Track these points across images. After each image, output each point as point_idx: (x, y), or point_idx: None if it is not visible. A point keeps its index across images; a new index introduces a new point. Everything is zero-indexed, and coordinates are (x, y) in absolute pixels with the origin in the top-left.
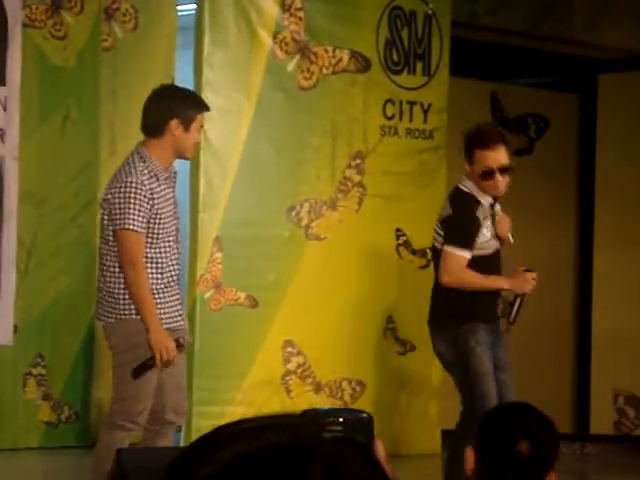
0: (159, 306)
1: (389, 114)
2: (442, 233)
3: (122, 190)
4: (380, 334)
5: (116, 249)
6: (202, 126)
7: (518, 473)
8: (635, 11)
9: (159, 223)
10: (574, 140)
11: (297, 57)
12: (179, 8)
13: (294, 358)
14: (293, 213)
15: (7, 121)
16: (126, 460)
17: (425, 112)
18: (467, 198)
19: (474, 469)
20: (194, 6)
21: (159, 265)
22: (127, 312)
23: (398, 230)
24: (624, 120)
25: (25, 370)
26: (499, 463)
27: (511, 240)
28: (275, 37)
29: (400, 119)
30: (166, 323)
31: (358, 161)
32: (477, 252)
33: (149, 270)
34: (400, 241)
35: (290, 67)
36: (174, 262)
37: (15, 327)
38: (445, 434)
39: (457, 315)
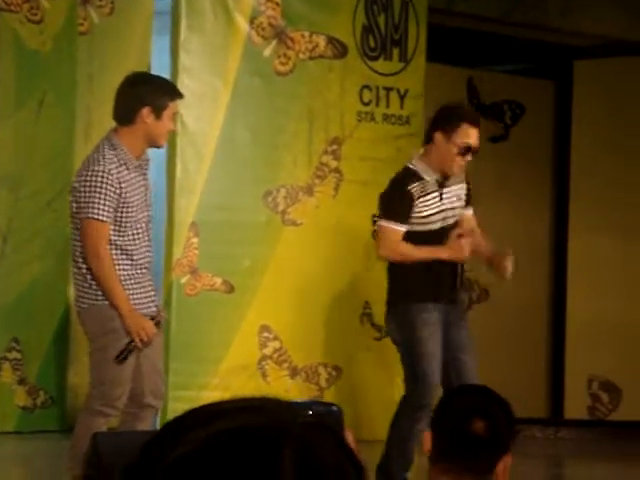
0: (130, 292)
1: (366, 100)
2: (378, 208)
3: (89, 179)
4: (356, 319)
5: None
6: (175, 114)
7: (474, 453)
8: None
9: (127, 211)
10: (550, 126)
11: (274, 42)
12: None
13: (270, 343)
14: (270, 198)
15: None
16: (102, 444)
17: (402, 98)
18: (405, 173)
19: (431, 450)
20: None
21: (128, 253)
22: (100, 297)
23: (374, 216)
24: (599, 106)
25: (0, 354)
26: (454, 443)
27: (508, 276)
28: (252, 22)
29: (377, 105)
30: (138, 309)
31: (335, 147)
32: (420, 227)
33: (119, 257)
34: (376, 227)
35: (267, 52)
36: (144, 250)
37: None
38: None
39: (405, 294)
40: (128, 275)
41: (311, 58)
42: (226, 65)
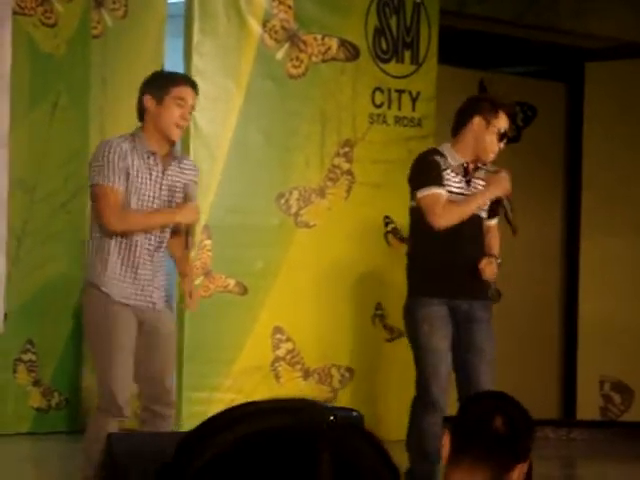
0: (121, 281)
1: (378, 102)
2: (410, 189)
3: (98, 151)
4: (368, 321)
5: (94, 215)
6: (181, 99)
7: (490, 446)
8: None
9: (132, 184)
10: (561, 128)
11: (286, 45)
12: None
13: (283, 344)
14: (282, 201)
15: None
16: (116, 446)
17: (413, 100)
18: (428, 150)
19: (449, 453)
20: None
21: (130, 242)
22: (93, 279)
23: (387, 217)
24: (611, 108)
25: (15, 356)
26: (472, 437)
27: (485, 277)
28: (264, 25)
29: (389, 107)
30: (125, 299)
31: (347, 149)
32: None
33: (119, 243)
34: (389, 228)
35: (279, 55)
36: (148, 242)
37: (5, 314)
38: None
39: (413, 287)
40: (119, 258)
41: (323, 61)
42: (239, 68)
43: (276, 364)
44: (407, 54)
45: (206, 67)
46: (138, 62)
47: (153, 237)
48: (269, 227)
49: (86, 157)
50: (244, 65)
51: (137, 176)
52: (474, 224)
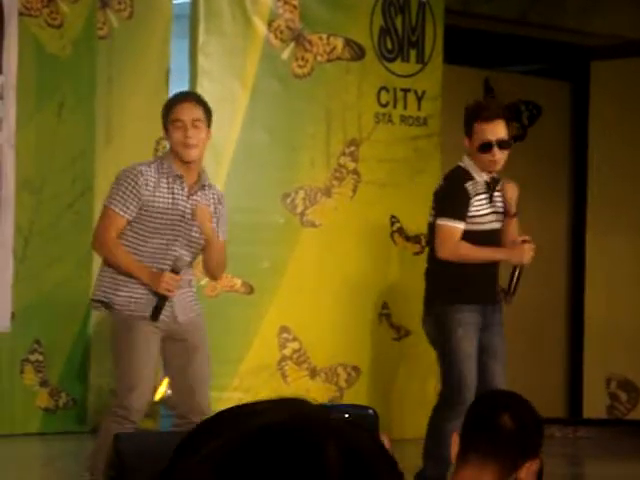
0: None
1: (383, 101)
2: (433, 206)
3: (123, 174)
4: (375, 320)
5: None
6: (178, 120)
7: (499, 442)
8: None
9: (147, 215)
10: (567, 127)
11: (292, 45)
12: None
13: (290, 344)
14: (288, 200)
15: (4, 109)
16: (124, 445)
17: (419, 99)
18: (459, 171)
19: (459, 452)
20: None
21: (138, 251)
22: (107, 298)
23: (393, 217)
24: (616, 107)
25: (22, 356)
26: (481, 433)
27: (514, 210)
28: (270, 25)
29: (394, 106)
30: (134, 310)
31: (352, 148)
32: (471, 227)
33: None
34: (394, 228)
35: (285, 55)
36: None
37: (12, 314)
38: None
39: (445, 294)
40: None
41: (329, 60)
42: (244, 68)
43: (283, 363)
44: (412, 53)
45: (212, 67)
46: (144, 63)
47: (171, 257)
48: (275, 226)
49: (92, 158)
50: (250, 65)
51: (159, 199)
52: (495, 238)
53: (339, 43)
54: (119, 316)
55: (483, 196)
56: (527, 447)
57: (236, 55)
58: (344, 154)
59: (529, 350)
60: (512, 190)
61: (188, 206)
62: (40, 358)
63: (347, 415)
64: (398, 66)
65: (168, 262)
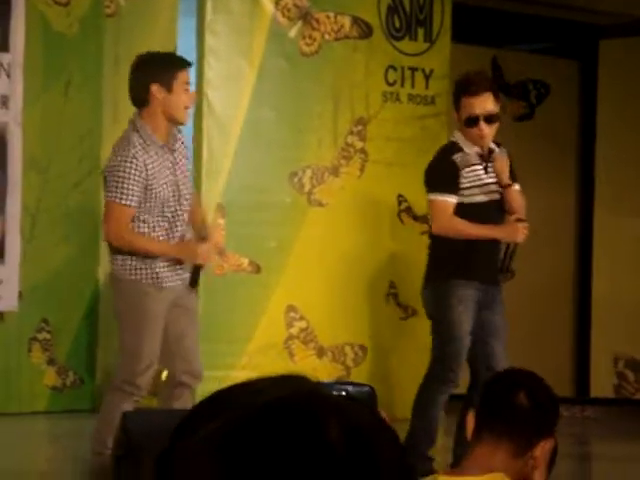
0: (153, 266)
1: (391, 80)
2: (424, 182)
3: (116, 164)
4: (382, 299)
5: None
6: (187, 83)
7: (514, 420)
8: None
9: (152, 191)
10: (575, 106)
11: (299, 23)
12: None
13: (297, 323)
14: (295, 179)
15: (10, 87)
16: (132, 424)
17: (427, 78)
18: (448, 145)
19: (474, 430)
20: None
21: (152, 227)
22: (121, 272)
23: (400, 196)
24: (624, 86)
25: (30, 335)
26: (496, 412)
27: (506, 181)
28: (277, 3)
29: (402, 85)
30: (160, 283)
31: (360, 127)
32: (468, 199)
33: (143, 232)
34: (402, 207)
35: (292, 33)
36: (171, 227)
37: (20, 293)
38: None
39: (445, 270)
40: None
41: (336, 39)
42: (252, 46)
43: (290, 342)
44: (420, 32)
45: (219, 46)
46: (151, 41)
47: (181, 222)
48: (282, 206)
49: (99, 136)
50: (257, 43)
51: (155, 173)
52: (496, 210)
53: (346, 21)
54: (133, 285)
55: (478, 167)
56: (542, 425)
57: (243, 33)
58: (351, 133)
59: (537, 330)
60: (500, 161)
61: (178, 161)
62: (48, 337)
63: (344, 393)
64: (406, 44)
65: (180, 225)
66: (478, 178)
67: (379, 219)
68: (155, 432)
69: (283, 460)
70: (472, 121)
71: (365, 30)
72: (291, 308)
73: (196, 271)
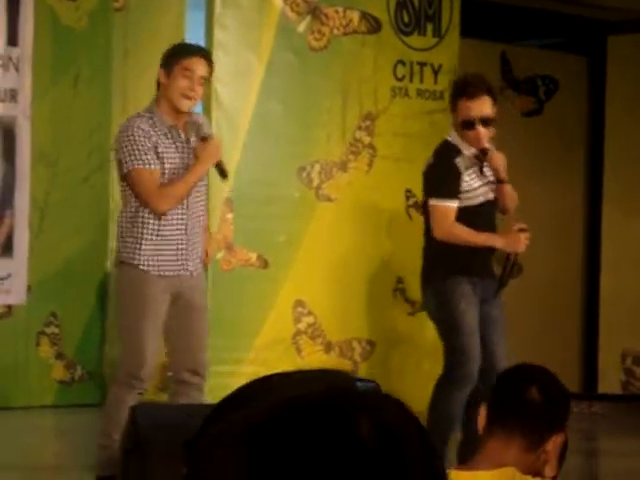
0: (155, 248)
1: (399, 75)
2: (424, 184)
3: (122, 135)
4: (390, 294)
5: (127, 192)
6: (189, 70)
7: (526, 415)
8: None
9: (162, 172)
10: (584, 101)
11: (308, 18)
12: None
13: (304, 318)
14: (304, 174)
15: (19, 81)
16: (141, 417)
17: (435, 73)
18: (447, 147)
19: (485, 425)
20: None
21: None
22: (126, 256)
23: (408, 191)
24: (633, 82)
25: (38, 329)
26: (508, 407)
27: (503, 175)
28: None
29: (411, 80)
30: (161, 267)
31: (368, 122)
32: (466, 202)
33: (154, 218)
34: (410, 202)
35: (301, 28)
36: (178, 212)
37: (29, 286)
38: None
39: (444, 268)
40: (154, 230)
41: (345, 34)
42: (261, 41)
43: (297, 337)
44: (429, 27)
45: (228, 40)
46: (159, 35)
47: (185, 207)
48: (290, 200)
49: (109, 130)
50: (266, 38)
51: (163, 152)
52: (491, 205)
53: (355, 16)
54: (135, 269)
55: (473, 169)
56: (554, 420)
57: (252, 28)
58: (360, 128)
59: (544, 326)
60: (498, 158)
61: (191, 149)
62: (56, 331)
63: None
64: (415, 39)
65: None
66: (474, 181)
67: (387, 214)
68: (163, 426)
69: (311, 453)
70: (469, 124)
71: (374, 25)
72: (299, 303)
73: (219, 164)
